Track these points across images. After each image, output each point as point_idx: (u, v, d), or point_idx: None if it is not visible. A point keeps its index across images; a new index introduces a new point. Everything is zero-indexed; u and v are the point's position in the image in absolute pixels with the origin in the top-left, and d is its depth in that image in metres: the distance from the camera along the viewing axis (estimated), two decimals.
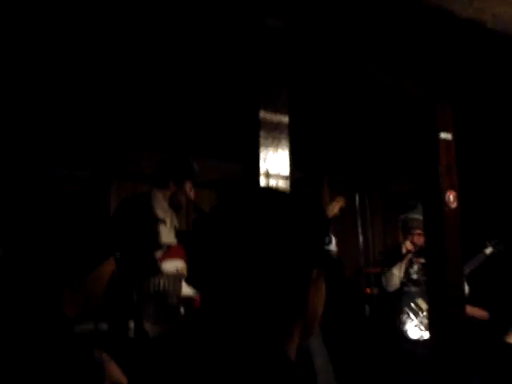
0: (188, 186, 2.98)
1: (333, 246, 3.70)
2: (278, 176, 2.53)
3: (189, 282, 2.64)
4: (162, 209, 2.89)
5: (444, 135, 3.22)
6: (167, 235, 2.89)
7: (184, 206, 3.03)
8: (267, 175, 2.50)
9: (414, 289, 4.00)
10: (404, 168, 5.06)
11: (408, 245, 4.17)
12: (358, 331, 3.73)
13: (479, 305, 3.77)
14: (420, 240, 4.01)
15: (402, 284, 4.00)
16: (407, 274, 4.05)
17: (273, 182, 2.52)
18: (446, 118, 3.26)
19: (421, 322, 3.83)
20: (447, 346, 3.02)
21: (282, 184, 2.55)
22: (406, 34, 2.98)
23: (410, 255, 4.08)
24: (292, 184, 4.44)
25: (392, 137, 4.29)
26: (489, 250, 4.08)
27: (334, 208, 3.69)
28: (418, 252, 4.04)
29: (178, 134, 4.26)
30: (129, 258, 2.69)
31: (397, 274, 3.93)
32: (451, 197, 3.17)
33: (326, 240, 3.13)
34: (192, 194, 3.01)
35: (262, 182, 2.49)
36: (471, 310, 3.33)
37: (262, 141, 2.49)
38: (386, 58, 3.04)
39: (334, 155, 4.98)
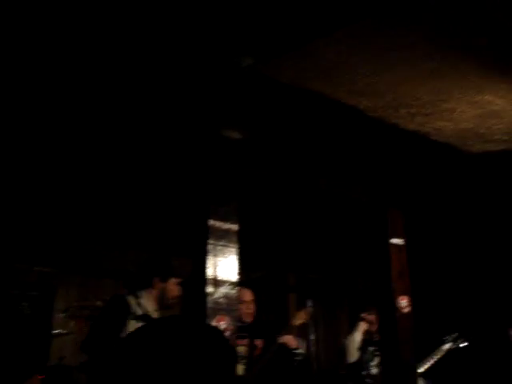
0: (173, 282, 2.92)
1: (302, 349, 3.73)
2: (225, 282, 2.57)
3: None
4: (150, 311, 2.81)
5: (395, 241, 3.31)
6: None
7: (173, 304, 2.95)
8: (215, 282, 2.54)
9: None
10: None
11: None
12: None
13: None
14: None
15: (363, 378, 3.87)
16: (367, 366, 3.94)
17: (221, 288, 2.56)
18: (397, 225, 3.37)
19: None
20: None
21: (230, 289, 2.58)
22: (356, 148, 3.15)
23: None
24: (256, 282, 4.48)
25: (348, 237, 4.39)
26: (447, 346, 4.03)
27: (302, 316, 3.75)
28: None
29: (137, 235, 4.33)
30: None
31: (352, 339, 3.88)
32: (403, 301, 3.21)
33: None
34: (177, 291, 2.96)
35: (209, 288, 2.52)
36: None
37: (210, 248, 2.54)
38: (338, 171, 3.19)
39: (297, 256, 5.06)
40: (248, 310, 3.79)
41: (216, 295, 2.53)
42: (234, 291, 2.59)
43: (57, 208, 3.95)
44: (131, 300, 2.54)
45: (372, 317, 3.80)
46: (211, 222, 2.58)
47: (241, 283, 3.79)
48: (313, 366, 3.69)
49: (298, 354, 3.76)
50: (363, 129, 3.09)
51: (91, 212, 3.94)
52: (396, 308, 3.18)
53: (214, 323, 2.46)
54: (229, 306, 2.53)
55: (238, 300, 3.69)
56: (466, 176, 3.73)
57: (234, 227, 2.65)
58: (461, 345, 4.09)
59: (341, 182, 3.23)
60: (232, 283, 2.60)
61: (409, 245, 3.38)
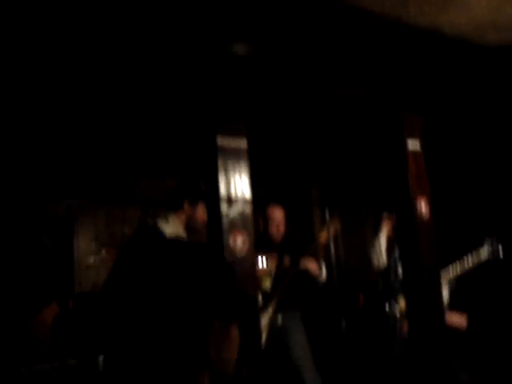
0: (201, 208, 2.94)
1: (322, 276, 3.74)
2: (239, 200, 2.57)
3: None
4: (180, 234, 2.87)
5: (412, 143, 3.24)
6: None
7: (201, 229, 2.99)
8: (229, 200, 2.55)
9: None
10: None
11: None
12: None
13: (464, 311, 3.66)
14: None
15: (393, 284, 3.81)
16: (396, 273, 3.85)
17: (235, 206, 2.56)
18: (414, 127, 3.28)
19: None
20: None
21: (245, 207, 2.58)
22: (367, 50, 3.02)
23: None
24: (278, 198, 4.49)
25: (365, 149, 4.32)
26: (484, 254, 3.54)
27: (327, 233, 3.74)
28: None
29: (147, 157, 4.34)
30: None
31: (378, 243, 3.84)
32: (423, 208, 3.18)
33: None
34: (205, 217, 3.00)
35: (224, 206, 2.53)
36: (450, 318, 3.30)
37: (220, 166, 2.53)
38: (351, 75, 3.08)
39: (316, 168, 5.03)
40: (278, 230, 3.79)
41: (231, 213, 2.54)
42: (248, 208, 2.59)
43: (77, 139, 3.96)
44: (162, 223, 2.55)
45: (393, 221, 3.76)
46: (220, 140, 2.55)
47: (267, 200, 3.78)
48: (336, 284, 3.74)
49: (320, 281, 3.78)
50: (373, 30, 2.95)
51: (106, 142, 3.94)
52: (415, 211, 3.16)
53: (230, 240, 2.49)
54: (244, 223, 2.55)
55: (267, 219, 3.70)
56: (484, 71, 3.56)
57: (244, 144, 2.62)
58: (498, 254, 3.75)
59: (354, 87, 3.13)
60: (246, 201, 2.60)
61: (427, 148, 3.31)
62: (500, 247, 3.70)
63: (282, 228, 3.80)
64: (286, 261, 3.82)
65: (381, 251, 3.93)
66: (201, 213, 2.87)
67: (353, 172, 5.18)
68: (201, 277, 1.05)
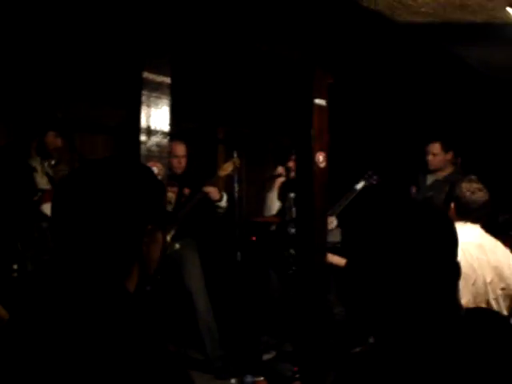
0: (51, 135, 3.22)
1: (223, 203, 4.05)
2: (158, 132, 2.74)
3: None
4: (32, 157, 3.15)
5: (318, 101, 3.54)
6: (39, 181, 3.16)
7: (54, 153, 3.27)
8: (148, 131, 2.71)
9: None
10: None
11: (279, 169, 4.47)
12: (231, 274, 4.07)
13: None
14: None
15: (286, 223, 4.05)
16: (290, 212, 4.12)
17: (153, 137, 2.73)
18: (322, 85, 3.57)
19: None
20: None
21: (162, 138, 2.76)
22: (287, 7, 3.22)
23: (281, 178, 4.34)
24: (188, 134, 4.67)
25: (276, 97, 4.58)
26: (360, 185, 4.15)
27: (228, 167, 4.03)
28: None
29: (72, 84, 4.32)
30: (8, 207, 2.89)
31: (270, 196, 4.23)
32: (321, 157, 3.53)
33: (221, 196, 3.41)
34: (58, 142, 3.26)
35: (143, 137, 2.69)
36: (331, 258, 3.74)
37: (143, 99, 2.67)
38: (268, 27, 3.26)
39: (227, 110, 5.24)
40: (179, 163, 4.06)
41: (149, 143, 2.71)
42: (165, 140, 2.78)
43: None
44: None
45: (292, 163, 4.12)
46: (145, 74, 2.68)
47: (173, 136, 3.98)
48: (236, 216, 4.06)
49: (220, 207, 4.10)
50: None
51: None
52: (314, 163, 3.50)
53: None
54: (161, 154, 2.73)
55: (170, 153, 3.91)
56: (392, 45, 3.93)
57: (167, 80, 2.77)
58: (374, 182, 4.28)
59: (272, 40, 3.33)
60: (164, 133, 2.77)
61: (331, 105, 3.62)
62: (376, 177, 4.24)
63: (183, 162, 4.08)
64: (186, 191, 4.10)
65: (273, 203, 4.34)
66: (51, 140, 3.19)
67: (261, 115, 5.46)
68: (132, 190, 1.27)
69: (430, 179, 4.52)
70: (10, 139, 3.44)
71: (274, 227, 4.41)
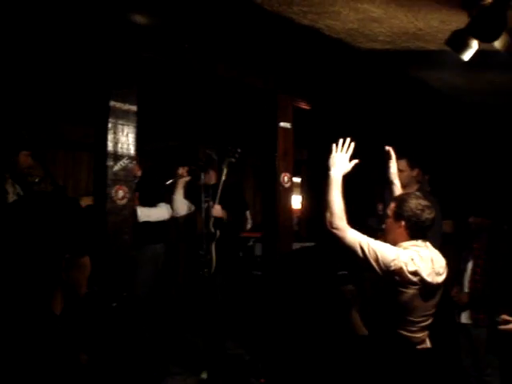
0: (23, 155, 3.39)
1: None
2: (124, 155, 2.93)
3: None
4: (6, 181, 3.33)
5: (283, 124, 3.74)
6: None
7: (26, 172, 3.44)
8: (115, 156, 2.89)
9: None
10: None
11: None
12: None
13: None
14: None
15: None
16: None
17: (119, 161, 2.92)
18: (287, 109, 3.78)
19: None
20: None
21: (128, 163, 2.94)
22: (252, 37, 3.41)
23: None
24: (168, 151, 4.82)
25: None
26: (226, 163, 3.92)
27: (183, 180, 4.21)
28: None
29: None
30: None
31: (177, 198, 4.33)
32: (285, 178, 3.72)
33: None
34: (29, 161, 3.43)
35: (110, 162, 2.87)
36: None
37: (110, 125, 2.86)
38: (235, 57, 3.46)
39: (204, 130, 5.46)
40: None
41: (115, 168, 2.89)
42: (131, 164, 2.96)
43: None
44: None
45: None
46: (112, 103, 2.88)
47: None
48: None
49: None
50: (260, 20, 3.34)
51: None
52: (278, 183, 3.69)
53: (113, 192, 2.86)
54: (126, 177, 2.92)
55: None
56: (356, 70, 4.13)
57: (133, 108, 2.96)
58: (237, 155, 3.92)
59: (237, 68, 3.52)
60: (130, 157, 2.96)
61: (295, 128, 3.82)
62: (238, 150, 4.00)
63: None
64: None
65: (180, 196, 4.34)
66: (23, 160, 3.36)
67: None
68: (51, 224, 1.45)
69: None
70: None
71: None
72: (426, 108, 4.99)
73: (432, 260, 2.69)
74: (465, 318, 4.05)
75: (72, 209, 1.47)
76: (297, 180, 6.96)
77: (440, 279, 2.68)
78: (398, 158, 4.64)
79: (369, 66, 4.12)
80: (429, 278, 2.57)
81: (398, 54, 3.94)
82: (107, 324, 2.78)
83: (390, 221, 2.78)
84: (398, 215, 2.73)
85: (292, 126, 3.78)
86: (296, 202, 6.82)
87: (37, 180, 3.70)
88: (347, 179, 2.78)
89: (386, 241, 2.70)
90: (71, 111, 4.90)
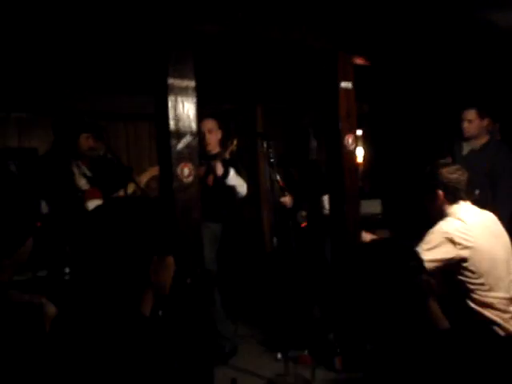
0: (83, 137, 3.48)
1: (231, 180, 3.87)
2: (186, 132, 2.89)
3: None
4: (72, 164, 3.42)
5: (345, 84, 3.59)
6: (78, 183, 3.46)
7: (88, 154, 3.52)
8: (177, 135, 2.86)
9: None
10: None
11: None
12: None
13: None
14: None
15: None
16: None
17: (183, 138, 2.89)
18: (348, 68, 3.62)
19: None
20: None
21: (191, 140, 2.91)
22: None
23: None
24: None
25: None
26: None
27: (225, 153, 3.92)
28: None
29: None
30: (55, 212, 3.15)
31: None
32: (350, 140, 3.61)
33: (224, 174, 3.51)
34: (90, 143, 3.51)
35: (173, 140, 2.85)
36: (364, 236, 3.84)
37: (170, 103, 2.83)
38: (291, 19, 3.32)
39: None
40: (206, 140, 3.95)
41: (179, 146, 2.87)
42: (194, 141, 2.93)
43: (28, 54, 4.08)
44: None
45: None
46: (170, 80, 2.83)
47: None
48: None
49: (232, 186, 3.94)
50: None
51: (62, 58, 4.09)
52: (343, 145, 3.58)
53: (178, 170, 2.85)
54: (190, 155, 2.89)
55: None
56: (415, 18, 3.89)
57: (192, 83, 2.90)
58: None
59: (294, 30, 3.38)
60: (193, 133, 2.92)
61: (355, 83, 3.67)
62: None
63: (210, 138, 3.98)
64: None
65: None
66: (83, 142, 3.48)
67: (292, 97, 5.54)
68: (140, 228, 1.46)
69: (465, 148, 4.49)
70: (48, 146, 3.68)
71: None
72: (493, 53, 4.67)
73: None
74: None
75: (156, 210, 1.48)
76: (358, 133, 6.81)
77: None
78: (466, 108, 4.45)
79: (433, 11, 3.87)
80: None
81: None
82: (183, 301, 2.82)
83: None
84: (432, 186, 2.84)
85: (353, 84, 3.62)
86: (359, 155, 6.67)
87: (101, 153, 3.75)
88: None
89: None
90: (125, 82, 4.90)
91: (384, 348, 3.30)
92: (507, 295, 2.65)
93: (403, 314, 2.24)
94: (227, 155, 3.89)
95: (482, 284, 2.61)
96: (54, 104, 4.93)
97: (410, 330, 2.12)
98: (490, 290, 2.61)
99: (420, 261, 2.51)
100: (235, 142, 3.83)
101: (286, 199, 4.00)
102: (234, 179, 3.83)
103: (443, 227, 2.70)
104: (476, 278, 2.62)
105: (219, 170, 3.75)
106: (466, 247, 2.62)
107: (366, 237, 3.64)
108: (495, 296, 2.62)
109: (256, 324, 4.67)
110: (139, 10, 2.90)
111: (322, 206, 4.18)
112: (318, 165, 4.41)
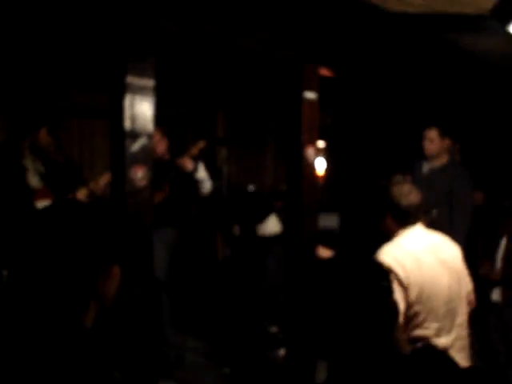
0: (43, 132, 3.32)
1: (201, 174, 4.03)
2: (142, 133, 2.76)
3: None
4: (25, 157, 3.23)
5: (309, 94, 3.53)
6: (31, 180, 3.24)
7: (48, 150, 3.35)
8: (133, 135, 2.73)
9: None
10: None
11: None
12: None
13: None
14: None
15: None
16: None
17: (138, 139, 2.75)
18: (312, 79, 3.56)
19: None
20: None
21: (147, 142, 2.78)
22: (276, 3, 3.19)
23: None
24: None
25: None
26: None
27: (194, 150, 4.00)
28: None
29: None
30: (2, 208, 2.97)
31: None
32: (310, 151, 3.54)
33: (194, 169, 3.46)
34: (49, 139, 3.34)
35: (127, 142, 2.71)
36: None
37: (127, 103, 2.69)
38: (259, 26, 3.24)
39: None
40: (158, 148, 3.99)
41: (133, 148, 2.74)
42: (150, 143, 2.80)
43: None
44: None
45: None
46: (129, 79, 2.69)
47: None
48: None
49: (200, 181, 4.00)
50: None
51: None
52: (303, 157, 3.51)
53: (131, 173, 2.71)
54: (145, 158, 2.76)
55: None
56: (388, 34, 3.88)
57: (151, 83, 2.77)
58: None
59: (260, 35, 3.31)
60: (149, 135, 2.79)
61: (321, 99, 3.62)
62: None
63: (160, 147, 4.05)
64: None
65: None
66: (43, 135, 3.33)
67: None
68: (88, 234, 1.34)
69: (425, 167, 4.52)
70: (3, 137, 3.50)
71: None
72: (457, 74, 4.73)
73: None
74: (496, 295, 3.91)
75: (106, 217, 1.37)
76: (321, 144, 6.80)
77: None
78: (429, 127, 4.47)
79: (400, 30, 3.87)
80: None
81: (431, 17, 3.70)
82: (130, 310, 2.69)
83: None
84: (383, 208, 2.71)
85: (318, 96, 3.57)
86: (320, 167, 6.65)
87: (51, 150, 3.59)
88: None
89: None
90: (81, 78, 4.75)
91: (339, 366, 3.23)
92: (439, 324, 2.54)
93: (366, 333, 2.18)
94: (196, 152, 3.90)
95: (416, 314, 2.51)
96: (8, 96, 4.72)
97: (370, 350, 2.05)
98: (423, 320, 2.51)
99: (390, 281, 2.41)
100: (204, 142, 3.88)
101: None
102: (203, 173, 3.88)
103: (383, 251, 2.59)
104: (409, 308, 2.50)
105: (189, 164, 3.82)
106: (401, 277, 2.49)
107: (323, 253, 3.57)
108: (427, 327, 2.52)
109: (204, 336, 4.55)
110: (98, 3, 2.76)
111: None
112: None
